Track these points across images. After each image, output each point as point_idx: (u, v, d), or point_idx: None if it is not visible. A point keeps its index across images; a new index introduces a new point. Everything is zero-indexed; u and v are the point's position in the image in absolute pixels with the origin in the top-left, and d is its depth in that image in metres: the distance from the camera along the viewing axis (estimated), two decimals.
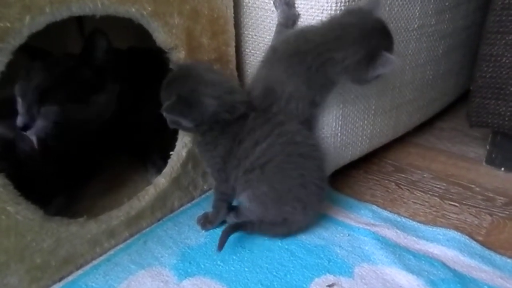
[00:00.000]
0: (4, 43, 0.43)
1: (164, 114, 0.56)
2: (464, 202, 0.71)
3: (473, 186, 0.76)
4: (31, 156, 0.66)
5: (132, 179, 0.75)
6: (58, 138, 0.67)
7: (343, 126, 0.70)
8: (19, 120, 0.62)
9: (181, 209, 0.71)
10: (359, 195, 0.74)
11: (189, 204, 0.72)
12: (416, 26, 0.75)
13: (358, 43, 0.56)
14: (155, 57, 0.65)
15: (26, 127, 0.62)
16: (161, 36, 0.59)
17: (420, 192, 0.75)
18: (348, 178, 0.79)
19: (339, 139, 0.71)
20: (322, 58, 0.57)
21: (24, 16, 0.43)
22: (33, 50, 0.66)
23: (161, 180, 0.67)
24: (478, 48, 0.76)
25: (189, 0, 0.61)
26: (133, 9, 0.54)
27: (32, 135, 0.65)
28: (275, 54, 0.61)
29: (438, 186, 0.77)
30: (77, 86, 0.66)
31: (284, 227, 0.61)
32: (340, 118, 0.69)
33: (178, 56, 0.62)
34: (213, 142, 0.60)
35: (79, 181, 0.72)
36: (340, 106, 0.67)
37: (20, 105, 0.63)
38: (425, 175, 0.80)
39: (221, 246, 0.58)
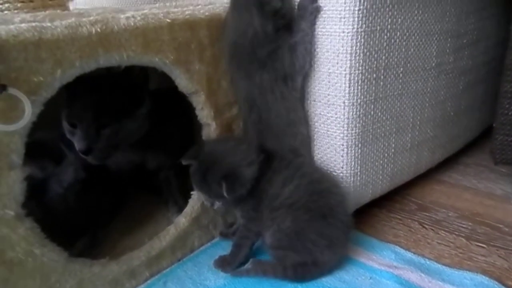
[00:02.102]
0: (37, 95, 0.46)
1: (228, 196, 0.58)
2: (492, 243, 0.69)
3: (501, 226, 0.73)
4: (61, 196, 0.69)
5: (152, 217, 0.77)
6: (110, 159, 0.69)
7: (363, 165, 0.70)
8: (81, 144, 0.63)
9: (201, 248, 0.71)
10: (381, 235, 0.72)
11: (209, 244, 0.72)
12: (434, 64, 0.76)
13: None
14: (179, 98, 0.67)
15: (88, 151, 0.63)
16: (183, 82, 0.62)
17: (445, 232, 0.73)
18: (370, 217, 0.78)
19: (359, 178, 0.70)
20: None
21: (56, 70, 0.47)
22: None
23: (182, 220, 0.68)
24: (499, 84, 0.75)
25: (209, 47, 0.64)
26: (157, 59, 0.57)
27: (94, 160, 0.66)
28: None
29: (464, 225, 0.74)
30: (127, 102, 0.68)
31: (309, 269, 0.61)
32: (359, 157, 0.69)
33: (198, 99, 0.65)
34: (242, 198, 0.62)
35: (103, 221, 0.74)
36: (359, 146, 0.68)
37: (79, 130, 0.64)
38: (450, 214, 0.78)
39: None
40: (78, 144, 0.63)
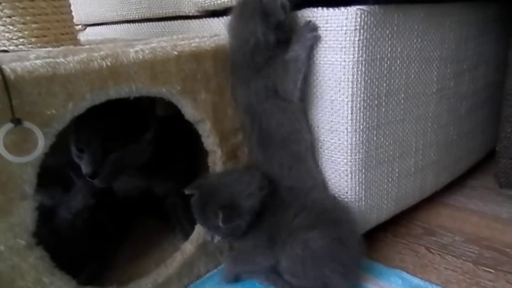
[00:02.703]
0: (50, 128, 0.48)
1: (224, 227, 0.60)
2: (499, 268, 0.68)
3: (508, 250, 0.73)
4: (70, 222, 0.70)
5: (159, 244, 0.77)
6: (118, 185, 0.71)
7: (367, 190, 0.71)
8: (88, 169, 0.65)
9: (207, 275, 0.71)
10: (387, 260, 0.72)
11: (215, 270, 0.73)
12: (435, 89, 0.77)
13: None
14: (186, 125, 0.69)
15: (95, 175, 0.65)
16: (189, 111, 0.64)
17: (451, 257, 0.72)
18: (376, 242, 0.78)
19: (363, 203, 0.71)
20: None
21: (68, 103, 0.49)
22: None
23: (188, 246, 0.68)
24: (501, 108, 0.76)
25: (214, 77, 0.66)
26: (164, 90, 0.59)
27: (100, 183, 0.67)
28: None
29: (471, 250, 0.74)
30: (133, 127, 0.70)
31: None
32: (364, 182, 0.69)
33: (204, 127, 0.67)
34: (240, 230, 0.63)
35: (111, 247, 0.75)
36: (363, 171, 0.68)
37: (86, 154, 0.65)
38: (456, 238, 0.78)
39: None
40: (85, 168, 0.65)
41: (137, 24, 1.05)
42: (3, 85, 0.43)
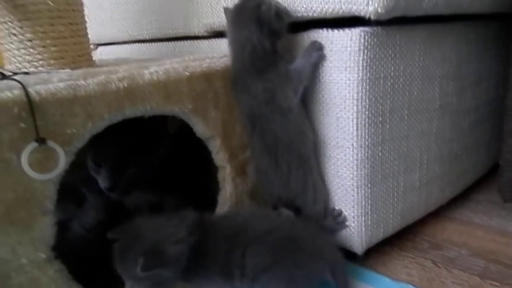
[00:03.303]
0: (71, 146, 0.50)
1: (142, 275, 0.52)
2: (505, 281, 0.69)
3: None
4: (83, 237, 0.72)
5: None
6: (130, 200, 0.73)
7: (373, 205, 0.72)
8: (106, 183, 0.68)
9: None
10: (394, 274, 0.73)
11: None
12: (437, 106, 0.79)
13: None
14: (196, 141, 0.71)
15: (112, 188, 0.68)
16: (200, 129, 0.66)
17: (458, 271, 0.73)
18: (382, 256, 0.79)
19: (369, 217, 0.72)
20: None
21: (87, 123, 0.51)
22: None
23: None
24: (503, 123, 0.78)
25: (224, 96, 0.69)
26: (176, 108, 0.62)
27: (117, 196, 0.71)
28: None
29: (477, 264, 0.75)
30: (146, 143, 0.73)
31: None
32: (370, 197, 0.71)
33: (214, 144, 0.69)
34: (202, 267, 0.58)
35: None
36: (369, 186, 0.70)
37: (104, 169, 0.68)
38: (462, 252, 0.79)
39: None
40: (103, 182, 0.68)
41: (147, 43, 1.09)
42: (29, 107, 0.45)
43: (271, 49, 0.66)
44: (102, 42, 1.22)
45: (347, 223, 0.73)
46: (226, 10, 0.71)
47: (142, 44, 1.11)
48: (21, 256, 0.47)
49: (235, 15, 0.68)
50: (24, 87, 0.45)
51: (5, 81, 0.48)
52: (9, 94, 0.44)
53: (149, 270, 0.52)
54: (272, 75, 0.66)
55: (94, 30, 1.20)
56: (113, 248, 0.55)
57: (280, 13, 0.65)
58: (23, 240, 0.47)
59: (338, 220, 0.73)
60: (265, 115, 0.68)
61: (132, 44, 1.14)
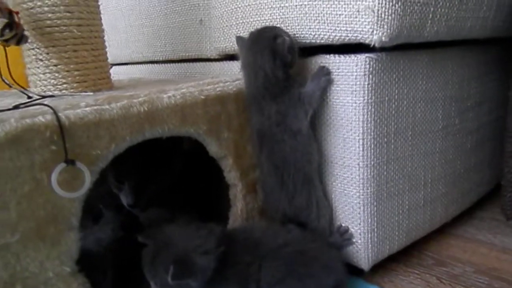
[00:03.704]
0: (95, 166, 0.54)
1: (172, 283, 0.55)
2: None
3: None
4: (100, 254, 0.75)
5: None
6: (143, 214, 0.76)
7: (379, 222, 0.75)
8: (129, 199, 0.72)
9: None
10: None
11: None
12: (440, 127, 0.82)
13: None
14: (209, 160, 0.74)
15: (135, 204, 0.72)
16: (213, 149, 0.70)
17: (462, 287, 0.75)
18: (388, 272, 0.81)
19: (376, 234, 0.75)
20: None
21: (111, 145, 0.55)
22: None
23: None
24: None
25: (236, 117, 0.72)
26: (192, 130, 0.65)
27: (138, 211, 0.74)
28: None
29: (481, 280, 0.77)
30: (163, 161, 0.76)
31: None
32: (375, 214, 0.74)
33: (227, 163, 0.73)
34: (223, 277, 0.60)
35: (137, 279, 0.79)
36: (375, 204, 0.73)
37: (127, 186, 0.72)
38: (466, 269, 0.81)
39: None
40: (126, 199, 0.72)
41: (160, 64, 1.14)
42: (59, 131, 0.49)
43: (284, 77, 0.69)
44: (116, 62, 1.27)
45: (353, 240, 0.75)
46: (238, 38, 0.75)
47: (155, 64, 1.16)
48: (48, 270, 0.50)
49: (251, 42, 0.71)
50: (55, 112, 0.49)
51: (37, 106, 0.52)
52: (42, 119, 0.48)
53: (179, 279, 0.54)
54: (285, 98, 0.70)
55: (109, 51, 1.26)
56: (143, 252, 0.58)
57: (293, 47, 0.69)
58: (51, 254, 0.51)
59: (345, 236, 0.76)
60: (275, 135, 0.71)
61: (145, 65, 1.19)
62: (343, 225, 0.76)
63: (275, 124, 0.71)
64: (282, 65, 0.69)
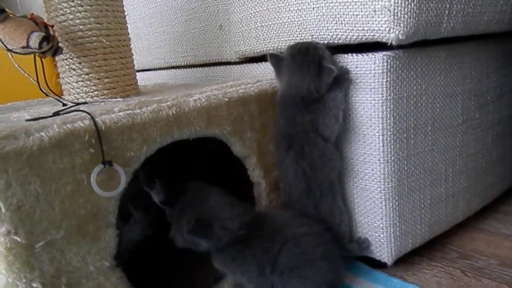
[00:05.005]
0: (129, 167, 0.57)
1: (185, 235, 0.63)
2: None
3: None
4: (129, 253, 0.78)
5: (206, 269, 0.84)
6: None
7: (401, 216, 0.76)
8: (161, 197, 0.75)
9: None
10: (424, 283, 0.76)
11: None
12: (460, 121, 0.83)
13: None
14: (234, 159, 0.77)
15: (165, 202, 0.75)
16: (237, 148, 0.73)
17: (487, 280, 0.76)
18: (412, 266, 0.82)
19: (398, 228, 0.76)
20: None
21: (143, 147, 0.59)
22: None
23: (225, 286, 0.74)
24: None
25: (258, 118, 0.75)
26: (217, 131, 0.69)
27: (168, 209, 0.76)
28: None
29: (506, 273, 0.77)
30: (191, 160, 0.80)
31: None
32: (397, 209, 0.75)
33: (250, 162, 0.75)
34: (240, 255, 0.65)
35: (166, 277, 0.83)
36: (396, 199, 0.74)
37: (158, 185, 0.75)
38: (491, 262, 0.81)
39: None
40: (158, 197, 0.76)
41: (182, 69, 1.18)
42: (96, 135, 0.53)
43: (324, 92, 0.72)
44: (140, 68, 1.32)
45: (370, 248, 0.78)
46: (271, 56, 0.76)
47: (177, 70, 1.20)
48: (89, 264, 0.54)
49: (295, 58, 0.73)
50: (93, 118, 0.53)
51: (75, 112, 0.56)
52: (81, 124, 0.52)
53: (193, 235, 0.62)
54: (316, 106, 0.72)
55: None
56: (180, 199, 0.66)
57: (332, 71, 0.70)
58: (91, 250, 0.54)
59: (363, 246, 0.78)
60: (306, 140, 0.73)
61: (167, 70, 1.23)
62: (364, 219, 0.77)
63: (304, 131, 0.73)
64: (326, 85, 0.71)
